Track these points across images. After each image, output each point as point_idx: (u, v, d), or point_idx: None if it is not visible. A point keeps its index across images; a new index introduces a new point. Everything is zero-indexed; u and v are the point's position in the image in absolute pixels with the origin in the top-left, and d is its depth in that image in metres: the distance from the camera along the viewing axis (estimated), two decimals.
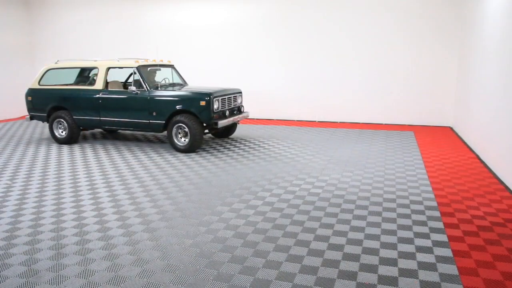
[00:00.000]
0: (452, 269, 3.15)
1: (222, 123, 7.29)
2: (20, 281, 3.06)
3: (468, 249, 3.50)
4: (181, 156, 7.11)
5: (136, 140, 8.70)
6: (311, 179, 5.64)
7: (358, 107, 10.52)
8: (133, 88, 7.56)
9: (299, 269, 3.18)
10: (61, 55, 13.04)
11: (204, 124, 7.40)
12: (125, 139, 8.83)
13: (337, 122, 10.77)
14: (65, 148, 7.91)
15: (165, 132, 9.24)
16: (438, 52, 9.66)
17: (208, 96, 7.12)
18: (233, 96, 8.00)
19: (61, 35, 12.96)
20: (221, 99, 7.47)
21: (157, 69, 8.23)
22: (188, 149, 7.28)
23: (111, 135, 9.30)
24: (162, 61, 8.50)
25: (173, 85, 8.20)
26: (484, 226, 3.97)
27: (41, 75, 8.49)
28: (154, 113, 7.46)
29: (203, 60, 11.57)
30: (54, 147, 8.03)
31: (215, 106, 7.23)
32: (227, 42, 11.30)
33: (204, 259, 3.37)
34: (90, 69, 8.44)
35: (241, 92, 8.35)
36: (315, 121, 10.96)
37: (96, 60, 8.29)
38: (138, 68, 7.63)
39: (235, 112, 8.12)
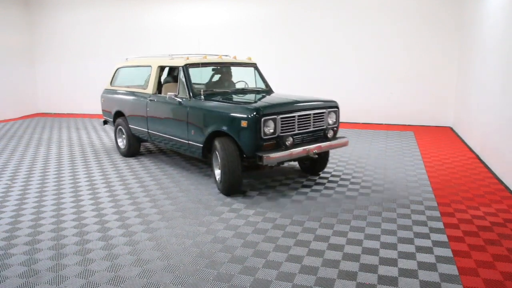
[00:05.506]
0: (452, 269, 3.15)
1: (275, 157, 4.52)
2: (20, 281, 3.06)
3: (468, 249, 3.50)
4: (181, 156, 7.10)
5: None
6: (311, 179, 5.64)
7: (358, 107, 10.51)
8: (171, 94, 5.60)
9: (299, 269, 3.18)
10: (61, 55, 13.04)
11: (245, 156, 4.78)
12: None
13: None
14: (65, 148, 7.91)
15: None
16: (438, 52, 9.65)
17: (252, 113, 4.54)
18: (314, 113, 5.02)
19: (61, 35, 12.97)
20: (283, 118, 4.70)
21: (216, 68, 6.21)
22: (225, 190, 4.87)
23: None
24: (235, 57, 6.39)
25: (243, 92, 6.01)
26: (484, 226, 3.97)
27: (113, 74, 7.49)
28: (193, 132, 5.33)
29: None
30: (54, 147, 8.03)
31: (267, 129, 4.58)
32: (226, 42, 11.29)
33: (204, 259, 3.37)
34: (174, 68, 6.22)
35: (336, 107, 5.32)
36: None
37: (172, 57, 6.42)
38: (185, 66, 5.62)
39: (321, 137, 5.17)
